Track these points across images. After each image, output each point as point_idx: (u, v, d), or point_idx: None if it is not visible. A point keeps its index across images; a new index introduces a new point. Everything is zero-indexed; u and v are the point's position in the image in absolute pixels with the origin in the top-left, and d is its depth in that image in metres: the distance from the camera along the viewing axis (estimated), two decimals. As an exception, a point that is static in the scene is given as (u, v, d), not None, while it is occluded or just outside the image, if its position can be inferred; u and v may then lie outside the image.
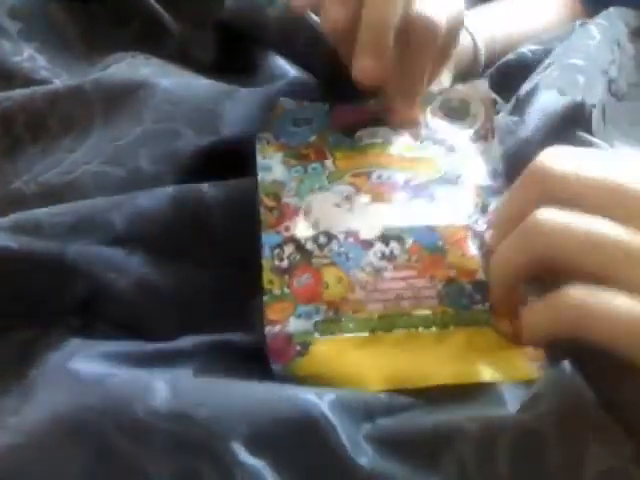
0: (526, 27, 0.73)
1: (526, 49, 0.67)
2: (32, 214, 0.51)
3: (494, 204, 0.52)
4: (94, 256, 0.50)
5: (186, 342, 0.50)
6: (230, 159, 0.55)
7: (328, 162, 0.53)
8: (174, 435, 0.41)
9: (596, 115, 0.60)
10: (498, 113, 0.58)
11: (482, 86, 0.57)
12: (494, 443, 0.43)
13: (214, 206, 0.53)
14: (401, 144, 0.55)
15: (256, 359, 0.48)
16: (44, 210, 0.52)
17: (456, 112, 0.56)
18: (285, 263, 0.50)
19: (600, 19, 0.68)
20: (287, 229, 0.51)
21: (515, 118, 0.58)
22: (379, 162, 0.53)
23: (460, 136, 0.55)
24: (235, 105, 0.57)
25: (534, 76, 0.63)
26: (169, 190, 0.53)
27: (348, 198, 0.52)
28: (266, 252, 0.51)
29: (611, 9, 0.70)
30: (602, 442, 0.43)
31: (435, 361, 0.48)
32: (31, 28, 0.64)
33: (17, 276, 0.50)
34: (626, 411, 0.44)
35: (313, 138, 0.55)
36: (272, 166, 0.54)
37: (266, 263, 0.51)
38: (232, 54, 0.64)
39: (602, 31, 0.66)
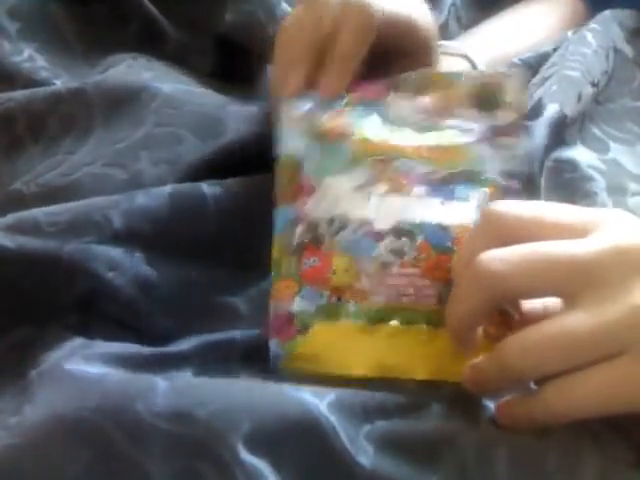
0: (527, 40, 0.73)
1: (516, 59, 0.67)
2: (30, 214, 0.52)
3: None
4: (92, 254, 0.50)
5: (184, 345, 0.50)
6: (231, 167, 0.55)
7: (350, 142, 0.52)
8: (175, 435, 0.42)
9: (573, 128, 0.62)
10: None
11: (518, 77, 0.55)
12: (494, 445, 0.43)
13: (212, 204, 0.53)
14: (427, 132, 0.54)
15: (256, 358, 0.49)
16: (42, 210, 0.52)
17: (485, 101, 0.54)
18: (295, 241, 0.50)
19: (595, 24, 0.68)
20: (302, 205, 0.51)
21: None
22: (402, 150, 0.53)
23: (487, 128, 0.54)
24: (236, 115, 0.58)
25: (533, 87, 0.63)
26: (167, 189, 0.53)
27: (367, 184, 0.51)
28: (279, 226, 0.51)
29: (607, 12, 0.70)
30: (599, 445, 0.44)
31: (422, 357, 0.49)
32: (30, 28, 0.64)
33: (14, 276, 0.50)
34: (622, 418, 0.44)
35: (343, 103, 0.54)
36: (294, 138, 0.53)
37: (277, 238, 0.50)
38: (231, 63, 0.64)
39: (597, 37, 0.67)
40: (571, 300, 0.43)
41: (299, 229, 0.50)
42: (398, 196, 0.51)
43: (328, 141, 0.52)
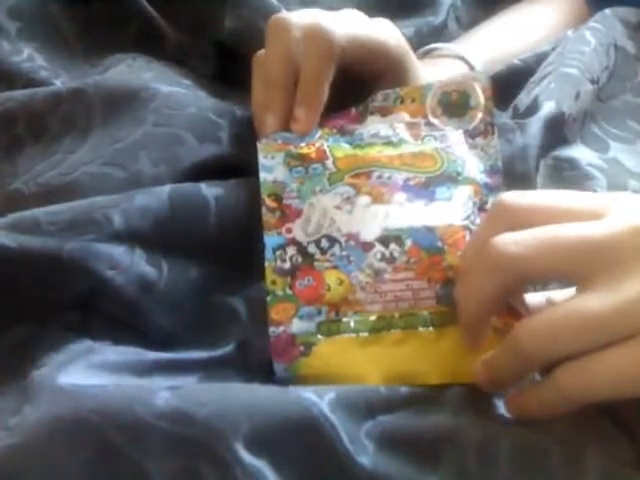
0: (527, 40, 0.73)
1: (516, 59, 0.67)
2: (30, 213, 0.52)
3: (491, 202, 0.53)
4: (92, 252, 0.50)
5: (188, 354, 0.50)
6: (230, 170, 0.56)
7: (329, 162, 0.54)
8: (174, 435, 0.42)
9: (575, 126, 0.62)
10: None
11: (482, 77, 0.57)
12: (495, 444, 0.43)
13: (212, 205, 0.53)
14: (402, 142, 0.55)
15: (257, 374, 0.49)
16: (42, 209, 0.52)
17: (455, 107, 0.56)
18: (287, 264, 0.51)
19: (594, 22, 0.68)
20: (289, 231, 0.52)
21: (514, 126, 0.59)
22: (379, 161, 0.54)
23: (459, 132, 0.55)
24: (236, 121, 0.58)
25: (530, 85, 0.63)
26: (166, 189, 0.53)
27: (348, 200, 0.52)
28: (268, 253, 0.51)
29: (607, 10, 0.70)
30: (602, 445, 0.43)
31: (432, 360, 0.49)
32: (30, 28, 0.64)
33: (15, 275, 0.50)
34: (628, 418, 0.44)
35: (317, 136, 0.55)
36: (273, 166, 0.54)
37: (268, 264, 0.51)
38: (230, 67, 0.64)
39: (596, 35, 0.67)
40: (585, 282, 0.43)
41: (290, 252, 0.51)
42: (380, 205, 0.52)
43: (306, 165, 0.54)
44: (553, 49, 0.66)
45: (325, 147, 0.54)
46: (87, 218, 0.51)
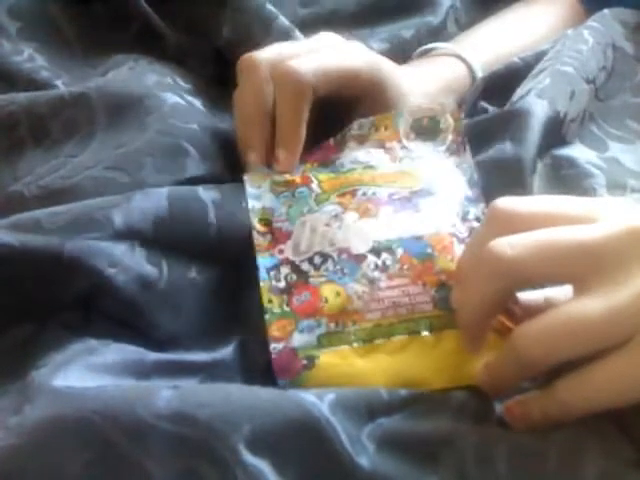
0: (525, 40, 0.73)
1: (515, 57, 0.68)
2: (31, 214, 0.52)
3: (473, 212, 0.54)
4: (93, 251, 0.50)
5: (189, 356, 0.50)
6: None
7: (314, 185, 0.55)
8: (176, 436, 0.42)
9: (574, 126, 0.62)
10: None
11: (449, 103, 0.59)
12: (493, 446, 0.43)
13: (209, 206, 0.53)
14: (381, 164, 0.56)
15: (257, 375, 0.49)
16: (43, 210, 0.52)
17: (427, 131, 0.58)
18: (282, 283, 0.52)
19: (593, 22, 0.69)
20: (281, 252, 0.53)
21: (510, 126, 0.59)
22: (362, 180, 0.55)
23: (434, 153, 0.57)
24: (231, 145, 0.59)
25: (527, 82, 0.63)
26: (165, 190, 0.53)
27: (337, 217, 0.53)
28: (262, 274, 0.52)
29: (606, 10, 0.70)
30: (600, 445, 0.43)
31: (433, 365, 0.49)
32: (30, 28, 0.64)
33: (16, 273, 0.50)
34: (626, 421, 0.44)
35: (300, 171, 0.56)
36: (261, 194, 0.55)
37: (264, 284, 0.52)
38: (229, 72, 0.64)
39: (594, 35, 0.67)
40: (581, 285, 0.44)
41: (284, 271, 0.52)
42: (368, 219, 0.53)
43: (292, 190, 0.55)
44: (552, 48, 0.67)
45: (309, 174, 0.56)
46: (88, 218, 0.51)
